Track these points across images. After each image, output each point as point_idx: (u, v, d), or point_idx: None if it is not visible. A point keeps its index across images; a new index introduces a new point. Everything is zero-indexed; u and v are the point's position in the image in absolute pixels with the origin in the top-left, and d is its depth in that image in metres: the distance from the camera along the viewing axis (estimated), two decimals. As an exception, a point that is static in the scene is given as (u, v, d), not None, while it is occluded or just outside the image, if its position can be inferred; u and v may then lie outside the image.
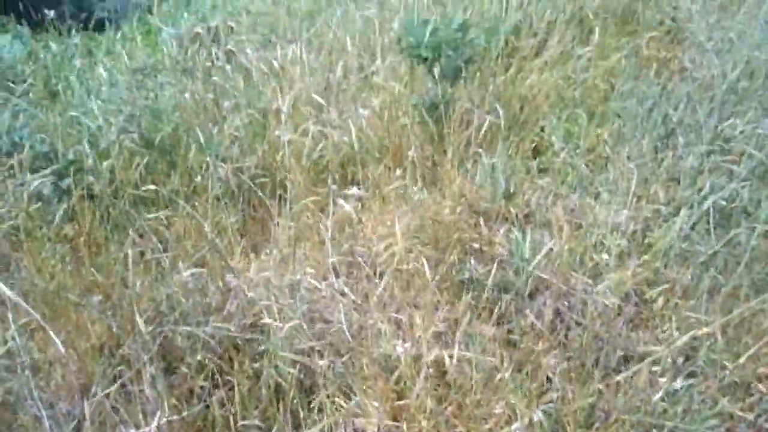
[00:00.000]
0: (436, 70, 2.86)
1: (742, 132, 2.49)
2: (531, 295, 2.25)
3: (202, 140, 2.73)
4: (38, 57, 4.19)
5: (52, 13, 4.77)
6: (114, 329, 2.10)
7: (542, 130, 2.93)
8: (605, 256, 2.22)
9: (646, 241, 2.29)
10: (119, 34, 5.23)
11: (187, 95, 3.03)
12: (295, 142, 2.77)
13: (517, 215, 2.59)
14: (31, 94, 3.69)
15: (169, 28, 3.90)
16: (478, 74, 3.04)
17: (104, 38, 5.25)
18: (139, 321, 1.75)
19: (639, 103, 2.70)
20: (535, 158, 2.95)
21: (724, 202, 2.28)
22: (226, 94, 3.13)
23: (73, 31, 4.33)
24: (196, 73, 3.16)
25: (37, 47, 4.54)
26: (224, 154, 2.86)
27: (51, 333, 1.72)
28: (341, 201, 2.59)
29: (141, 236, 2.76)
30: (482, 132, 2.83)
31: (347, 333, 2.07)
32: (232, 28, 3.66)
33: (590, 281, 2.20)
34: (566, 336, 2.15)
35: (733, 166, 2.34)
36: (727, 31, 3.07)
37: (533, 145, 2.94)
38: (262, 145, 2.92)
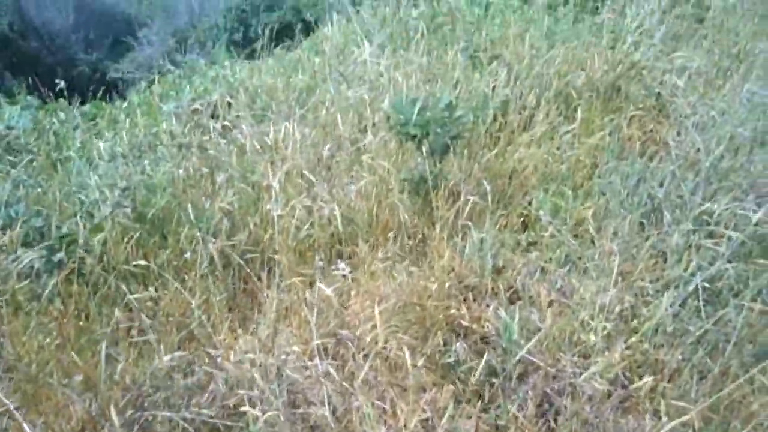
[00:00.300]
0: (425, 147, 2.88)
1: (726, 209, 2.46)
2: (520, 377, 2.17)
3: (192, 216, 2.72)
4: (44, 128, 4.25)
5: (62, 83, 4.88)
6: (93, 413, 2.04)
7: (530, 204, 2.91)
8: (593, 337, 2.16)
9: (634, 321, 2.23)
10: (125, 104, 5.33)
11: (181, 170, 3.04)
12: (286, 217, 2.76)
13: (505, 291, 2.55)
14: (34, 165, 3.73)
15: (169, 104, 3.96)
16: (466, 150, 3.05)
17: (110, 107, 5.35)
18: (113, 412, 1.68)
19: (623, 180, 2.70)
20: (524, 231, 2.93)
21: (708, 284, 2.23)
22: (220, 169, 3.14)
23: (77, 104, 4.41)
24: (191, 148, 3.19)
25: (45, 117, 4.63)
26: (216, 228, 2.85)
27: (24, 425, 1.65)
28: (329, 277, 2.56)
29: (130, 310, 2.73)
30: (470, 206, 2.82)
31: (331, 417, 2.00)
32: (229, 103, 3.72)
33: (579, 362, 2.14)
34: (555, 421, 2.07)
35: (716, 247, 2.30)
36: (711, 108, 3.10)
37: (522, 219, 2.91)
38: (254, 219, 2.91)
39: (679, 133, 3.01)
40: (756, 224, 2.34)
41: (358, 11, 5.45)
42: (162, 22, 22.89)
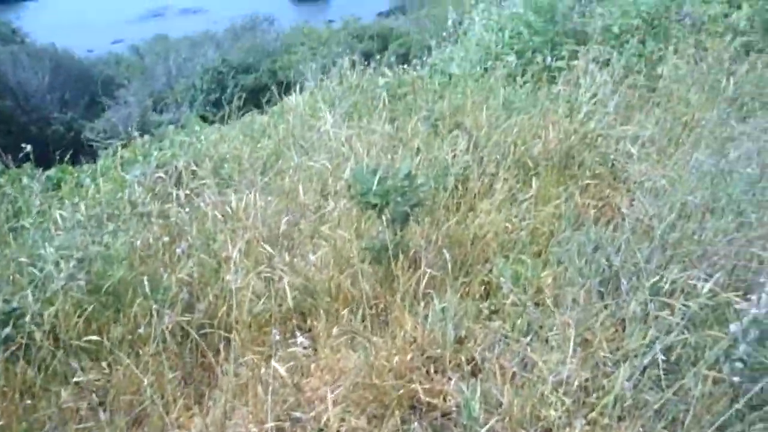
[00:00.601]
0: (386, 215, 2.87)
1: (680, 277, 2.47)
2: (480, 456, 2.09)
3: (148, 288, 2.63)
4: (3, 195, 4.15)
5: (28, 147, 4.79)
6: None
7: (491, 271, 2.89)
8: (553, 412, 2.10)
9: (594, 395, 2.18)
10: (93, 168, 5.26)
11: (140, 241, 2.97)
12: (245, 288, 2.69)
13: (467, 362, 2.49)
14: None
15: (135, 170, 3.91)
16: (427, 217, 3.04)
17: (77, 171, 5.28)
18: None
19: (580, 247, 2.70)
20: (487, 299, 2.90)
21: (666, 355, 2.20)
22: (181, 238, 3.07)
23: (40, 171, 4.33)
24: (152, 217, 3.12)
25: (6, 184, 4.52)
26: (173, 300, 2.76)
27: None
28: (288, 351, 2.48)
29: (81, 388, 2.60)
30: (432, 274, 2.79)
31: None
32: (194, 171, 3.69)
33: (540, 439, 2.07)
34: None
35: (671, 318, 2.29)
36: (663, 176, 3.16)
37: (483, 286, 2.89)
38: (213, 290, 2.83)
39: (632, 201, 3.05)
40: (709, 294, 2.34)
41: (325, 79, 5.54)
42: (139, 83, 23.09)
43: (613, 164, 3.52)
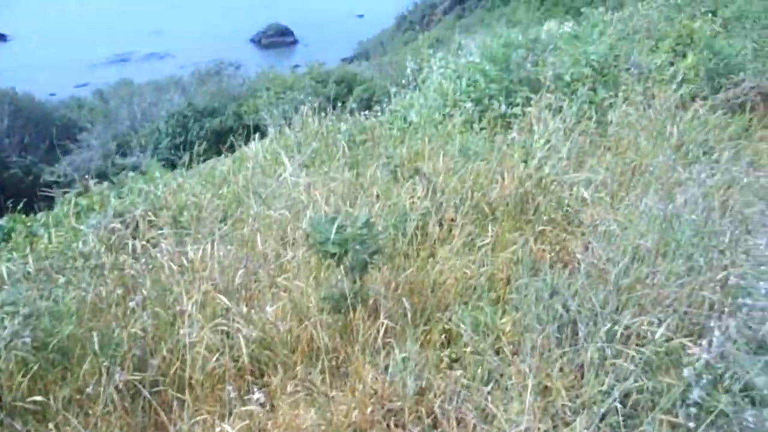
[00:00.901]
0: (345, 264, 2.83)
1: (634, 322, 2.48)
2: None
3: (98, 345, 2.51)
4: (-49, 247, 3.97)
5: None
6: None
7: (450, 319, 2.87)
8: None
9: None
10: (48, 215, 5.09)
11: (92, 295, 2.85)
12: (200, 342, 2.60)
13: (428, 415, 2.44)
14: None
15: (91, 219, 3.80)
16: (387, 265, 3.02)
17: (31, 220, 5.10)
18: None
19: (537, 293, 2.71)
20: (447, 347, 2.86)
21: (623, 401, 2.20)
22: (135, 291, 2.97)
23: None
24: (105, 270, 3.02)
25: (-44, 235, 4.34)
26: (125, 356, 2.64)
27: None
28: (244, 408, 2.39)
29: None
30: (392, 323, 2.75)
31: None
32: (151, 221, 3.60)
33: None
34: None
35: (625, 364, 2.29)
36: (615, 220, 3.21)
37: (443, 334, 2.85)
38: (167, 344, 2.72)
39: (587, 246, 3.09)
40: (662, 338, 2.36)
41: (286, 125, 5.55)
42: (103, 126, 22.75)
43: (567, 209, 3.57)
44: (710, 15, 7.36)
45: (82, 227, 3.59)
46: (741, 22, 6.76)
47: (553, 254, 3.25)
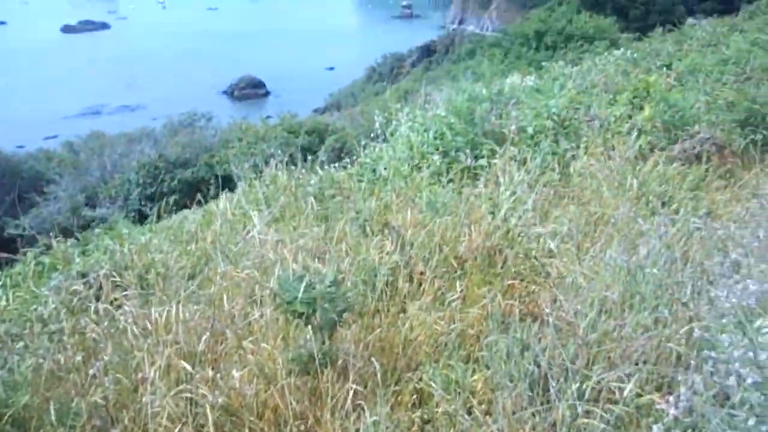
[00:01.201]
0: (313, 323, 2.77)
1: (603, 378, 2.47)
2: None
3: (56, 416, 2.39)
4: None
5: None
6: None
7: (421, 379, 2.81)
8: None
9: None
10: (5, 276, 4.92)
11: (50, 362, 2.73)
12: (164, 410, 2.49)
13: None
14: None
15: (52, 279, 3.67)
16: (356, 323, 2.96)
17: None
18: None
19: (508, 349, 2.68)
20: (419, 407, 2.79)
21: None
22: (95, 356, 2.85)
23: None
24: (63, 336, 2.90)
25: None
26: (84, 427, 2.51)
27: None
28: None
29: None
30: (362, 384, 2.68)
31: None
32: (115, 282, 3.50)
33: None
34: None
35: (596, 422, 2.26)
36: (582, 272, 3.23)
37: (414, 395, 2.79)
38: (129, 413, 2.60)
39: (555, 299, 3.08)
40: (632, 394, 2.34)
41: (257, 179, 5.53)
42: (72, 178, 22.36)
43: (534, 261, 3.59)
44: (665, 69, 7.70)
45: (43, 288, 3.46)
46: (694, 76, 7.06)
47: (522, 307, 3.24)
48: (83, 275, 3.89)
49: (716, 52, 8.72)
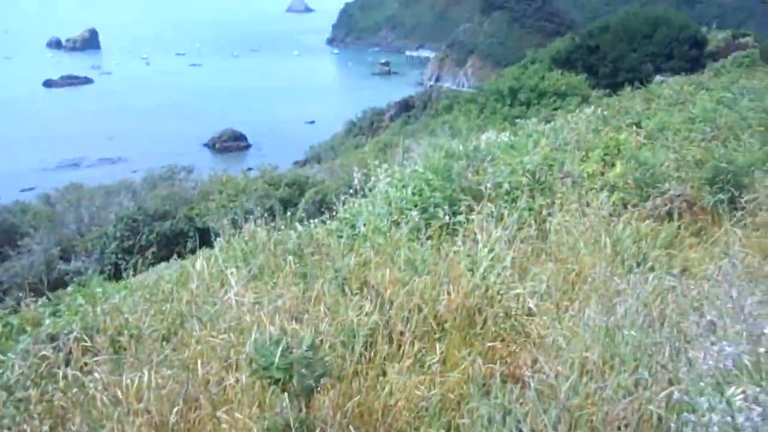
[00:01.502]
0: (290, 390, 2.69)
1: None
2: None
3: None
4: None
5: None
6: None
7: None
8: None
9: None
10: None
11: (13, 433, 2.59)
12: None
13: None
14: None
15: (19, 344, 3.54)
16: (335, 387, 2.88)
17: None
18: None
19: (489, 416, 2.62)
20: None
21: None
22: (63, 426, 2.72)
23: None
24: (30, 404, 2.77)
25: None
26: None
27: None
28: None
29: None
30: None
31: None
32: (85, 347, 3.38)
33: None
34: None
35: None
36: (561, 332, 3.21)
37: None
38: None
39: (535, 360, 3.05)
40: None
41: (235, 235, 5.47)
42: (47, 231, 21.94)
43: (514, 321, 3.56)
44: (635, 127, 7.92)
45: (9, 354, 3.33)
46: (663, 134, 7.26)
47: (504, 368, 3.19)
48: (53, 338, 3.76)
49: (683, 110, 9.03)
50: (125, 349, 3.39)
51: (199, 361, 2.98)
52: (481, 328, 3.45)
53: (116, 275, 12.13)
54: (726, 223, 4.61)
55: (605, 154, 6.38)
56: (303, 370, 2.73)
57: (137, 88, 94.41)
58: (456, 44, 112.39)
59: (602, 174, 5.99)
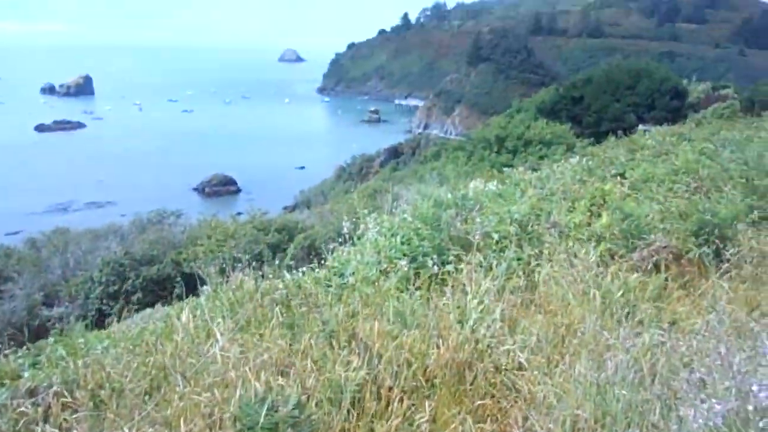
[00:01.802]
0: (276, 451, 2.60)
1: None
2: None
3: None
4: None
5: None
6: None
7: None
8: None
9: None
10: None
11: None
12: None
13: None
14: None
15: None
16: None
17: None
18: None
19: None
20: None
21: None
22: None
23: None
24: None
25: None
26: None
27: None
28: None
29: None
30: None
31: None
32: (66, 402, 3.27)
33: None
34: None
35: None
36: (552, 387, 3.16)
37: None
38: None
39: (526, 418, 2.99)
40: None
41: (225, 281, 5.41)
42: (31, 276, 21.56)
43: (504, 376, 3.50)
44: (619, 177, 8.02)
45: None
46: (647, 185, 7.34)
47: (494, 425, 3.12)
48: (32, 392, 3.64)
49: (667, 161, 9.16)
50: (106, 405, 3.28)
51: (182, 419, 2.89)
52: (471, 384, 3.38)
53: (100, 322, 11.88)
54: (713, 275, 4.63)
55: (591, 204, 6.44)
56: (289, 430, 2.65)
57: (129, 133, 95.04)
58: (443, 93, 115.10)
59: (589, 224, 6.03)
